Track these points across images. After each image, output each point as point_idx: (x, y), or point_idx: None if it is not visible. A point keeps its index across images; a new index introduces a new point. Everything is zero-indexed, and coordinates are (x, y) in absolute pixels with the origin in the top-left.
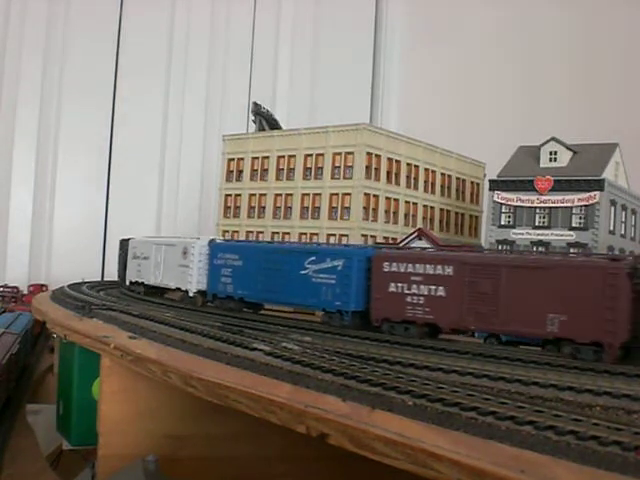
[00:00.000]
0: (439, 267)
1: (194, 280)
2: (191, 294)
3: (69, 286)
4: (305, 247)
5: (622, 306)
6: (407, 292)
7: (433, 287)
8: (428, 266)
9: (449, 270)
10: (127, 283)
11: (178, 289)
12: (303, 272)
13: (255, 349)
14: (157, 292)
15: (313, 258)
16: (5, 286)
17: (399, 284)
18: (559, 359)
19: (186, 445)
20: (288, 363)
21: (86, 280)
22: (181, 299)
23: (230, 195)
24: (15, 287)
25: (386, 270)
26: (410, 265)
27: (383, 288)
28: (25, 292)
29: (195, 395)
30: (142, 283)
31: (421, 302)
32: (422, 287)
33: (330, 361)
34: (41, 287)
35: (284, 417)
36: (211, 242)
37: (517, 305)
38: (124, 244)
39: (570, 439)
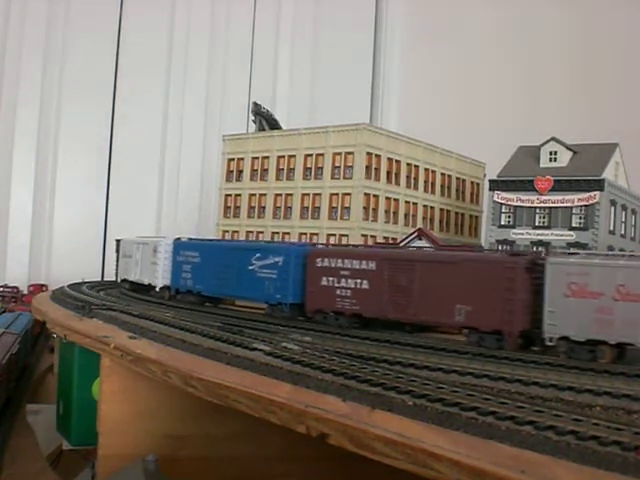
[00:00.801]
0: (363, 263)
1: (160, 276)
2: (157, 289)
3: (69, 286)
4: (251, 245)
5: (520, 297)
6: (337, 285)
7: (359, 281)
8: (354, 262)
9: (372, 265)
10: (119, 280)
11: (149, 284)
12: (250, 268)
13: (255, 349)
14: (142, 288)
15: (258, 255)
16: (5, 286)
17: (330, 278)
18: (559, 359)
19: (186, 445)
20: (288, 363)
21: (86, 280)
22: (153, 294)
23: (230, 195)
24: (15, 287)
25: (319, 266)
26: (339, 261)
27: (316, 282)
28: (25, 292)
29: (195, 395)
30: (127, 280)
31: (349, 294)
32: (349, 281)
33: (330, 361)
34: (41, 287)
35: (284, 417)
36: (175, 240)
37: (429, 297)
38: (118, 244)
39: (570, 439)
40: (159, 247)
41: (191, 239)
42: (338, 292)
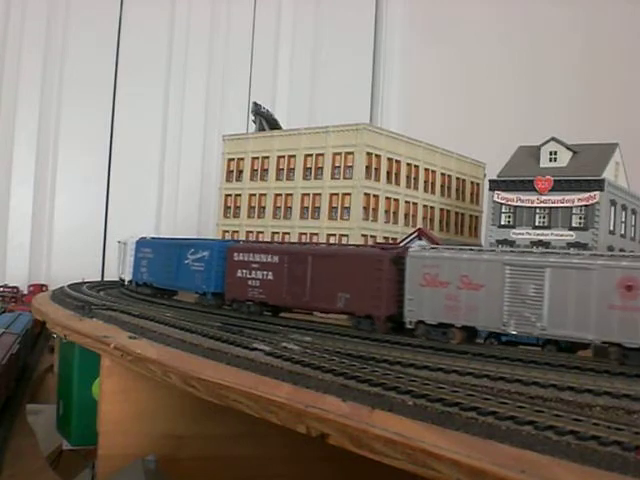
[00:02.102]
0: (269, 257)
1: (127, 270)
2: (126, 282)
3: (69, 286)
4: (188, 242)
5: (387, 286)
6: (248, 277)
7: (265, 273)
8: (262, 256)
9: (275, 259)
10: (118, 278)
11: (123, 279)
12: (185, 262)
13: (255, 349)
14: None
15: (192, 250)
16: (5, 286)
17: (243, 270)
18: (559, 359)
19: (186, 445)
20: (288, 363)
21: (86, 280)
22: (127, 286)
23: (230, 195)
24: (15, 287)
25: (235, 259)
26: (251, 255)
27: (233, 274)
28: (25, 292)
29: (195, 395)
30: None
31: (257, 285)
32: (258, 273)
33: (330, 361)
34: (41, 287)
35: (284, 417)
36: (138, 239)
37: (318, 286)
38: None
39: (570, 439)
40: (127, 246)
41: (153, 238)
42: (249, 283)
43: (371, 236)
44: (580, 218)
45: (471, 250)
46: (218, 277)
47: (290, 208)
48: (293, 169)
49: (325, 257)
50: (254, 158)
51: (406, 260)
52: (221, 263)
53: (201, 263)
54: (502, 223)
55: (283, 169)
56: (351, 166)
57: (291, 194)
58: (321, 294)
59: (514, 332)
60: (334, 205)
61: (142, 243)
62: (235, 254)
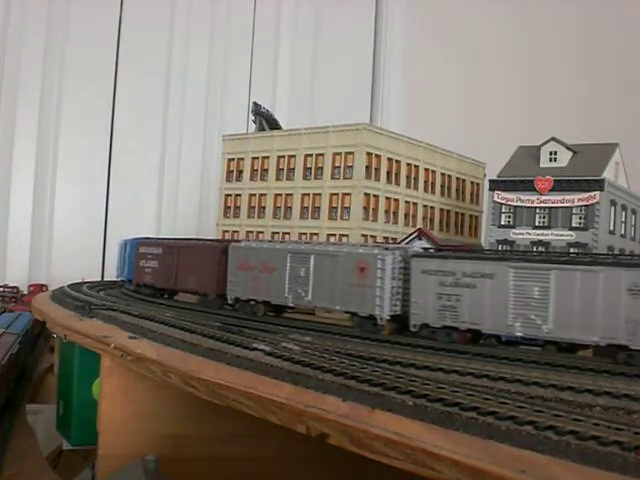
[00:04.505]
0: (156, 249)
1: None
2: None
3: (69, 286)
4: (129, 239)
5: (217, 270)
6: (145, 265)
7: (154, 262)
8: (153, 249)
9: (159, 251)
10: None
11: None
12: (127, 255)
13: (255, 349)
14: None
15: (128, 246)
16: (5, 286)
17: (143, 260)
18: (559, 359)
19: (186, 445)
20: (288, 363)
21: (86, 280)
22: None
23: (230, 195)
24: (15, 287)
25: (140, 251)
26: (148, 248)
27: (138, 263)
28: (25, 292)
29: (195, 395)
30: None
31: (150, 272)
32: (151, 262)
33: (330, 361)
34: (41, 287)
35: (284, 417)
36: (126, 240)
37: (181, 271)
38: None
39: (570, 439)
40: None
41: (134, 239)
42: (146, 270)
43: (371, 236)
44: (580, 218)
45: (270, 242)
46: (131, 267)
47: (290, 208)
48: (293, 169)
49: (184, 248)
50: (254, 158)
51: (229, 250)
52: (132, 256)
53: (128, 256)
54: (502, 223)
55: (283, 169)
56: (351, 166)
57: (291, 194)
58: (182, 278)
59: (291, 304)
60: (334, 205)
61: (130, 243)
62: (141, 247)
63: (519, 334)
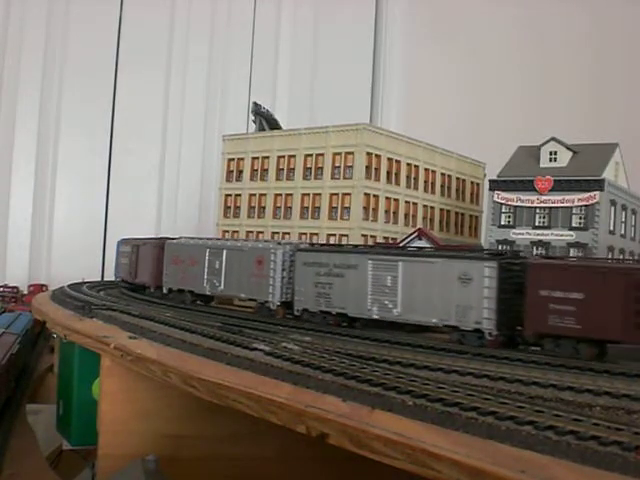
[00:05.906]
0: (128, 247)
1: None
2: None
3: (69, 286)
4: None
5: (156, 265)
6: (124, 262)
7: (127, 259)
8: (127, 247)
9: (129, 249)
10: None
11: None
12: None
13: (255, 349)
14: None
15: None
16: (5, 286)
17: (123, 258)
18: (559, 359)
19: (186, 445)
20: (288, 363)
21: (86, 280)
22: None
23: (230, 195)
24: (15, 287)
25: (120, 250)
26: (125, 247)
27: (119, 261)
28: (25, 292)
29: (195, 395)
30: None
31: (125, 268)
32: (125, 259)
33: (330, 361)
34: (41, 287)
35: (284, 417)
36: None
37: (138, 266)
38: None
39: (570, 439)
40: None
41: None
42: (122, 266)
43: (371, 236)
44: (580, 218)
45: (196, 239)
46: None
47: (290, 208)
48: (293, 169)
49: (140, 246)
50: (254, 158)
51: (165, 247)
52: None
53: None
54: (502, 223)
55: (283, 169)
56: (351, 166)
57: (291, 194)
58: (139, 272)
59: (208, 293)
60: (334, 205)
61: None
62: (122, 246)
63: (376, 317)
